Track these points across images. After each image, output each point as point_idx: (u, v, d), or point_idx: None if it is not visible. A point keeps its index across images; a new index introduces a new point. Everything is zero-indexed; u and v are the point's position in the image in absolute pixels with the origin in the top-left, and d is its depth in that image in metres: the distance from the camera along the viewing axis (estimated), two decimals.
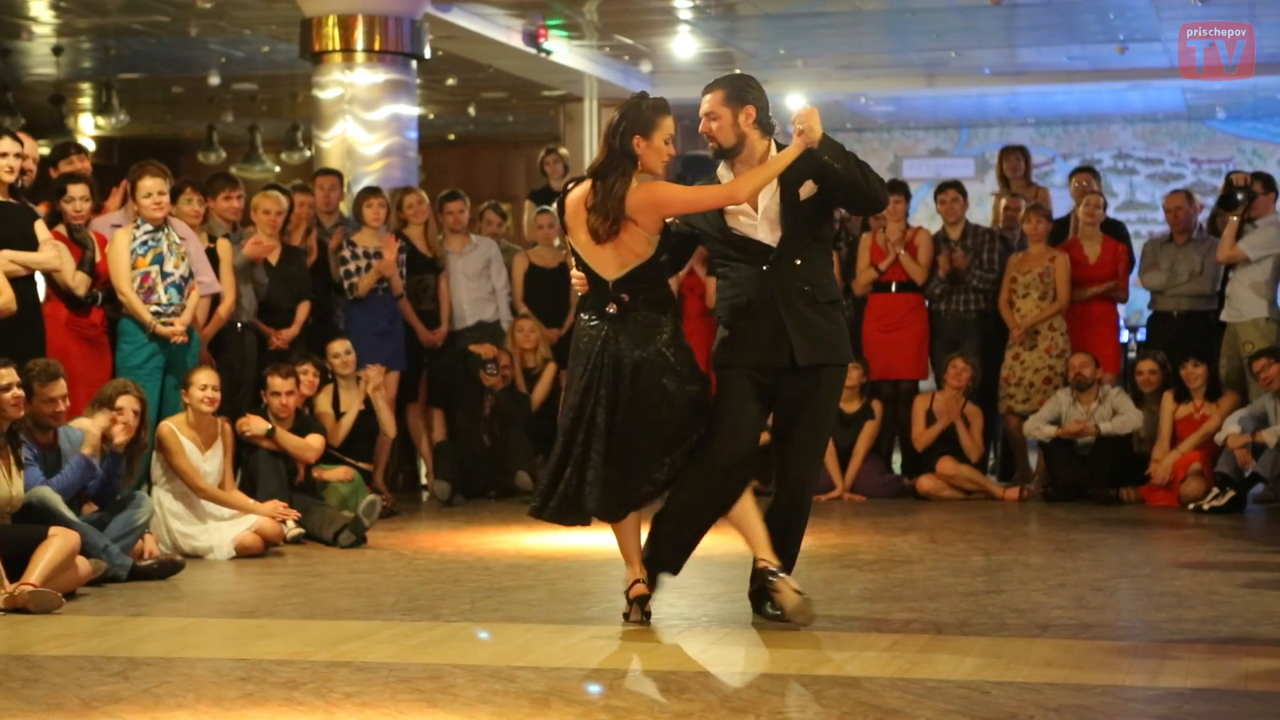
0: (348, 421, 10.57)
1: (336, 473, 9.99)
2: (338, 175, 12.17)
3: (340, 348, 10.68)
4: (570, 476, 6.34)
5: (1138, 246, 12.82)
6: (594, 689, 5.37)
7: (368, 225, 11.35)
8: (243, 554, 8.68)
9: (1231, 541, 9.17)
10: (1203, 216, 12.20)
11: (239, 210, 10.55)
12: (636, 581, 6.48)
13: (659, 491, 6.46)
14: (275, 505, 8.95)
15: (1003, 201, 12.87)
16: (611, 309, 6.34)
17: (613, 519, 6.48)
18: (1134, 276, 12.18)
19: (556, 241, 12.71)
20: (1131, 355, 13.65)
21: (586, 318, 6.43)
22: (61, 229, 9.05)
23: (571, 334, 6.63)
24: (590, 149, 18.75)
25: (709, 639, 6.34)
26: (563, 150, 14.22)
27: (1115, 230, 12.33)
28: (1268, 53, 15.35)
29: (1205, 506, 10.42)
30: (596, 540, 9.47)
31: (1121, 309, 12.39)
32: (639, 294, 6.34)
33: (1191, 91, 20.28)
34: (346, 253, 11.21)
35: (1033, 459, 11.87)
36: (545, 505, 6.46)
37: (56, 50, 16.94)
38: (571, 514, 6.44)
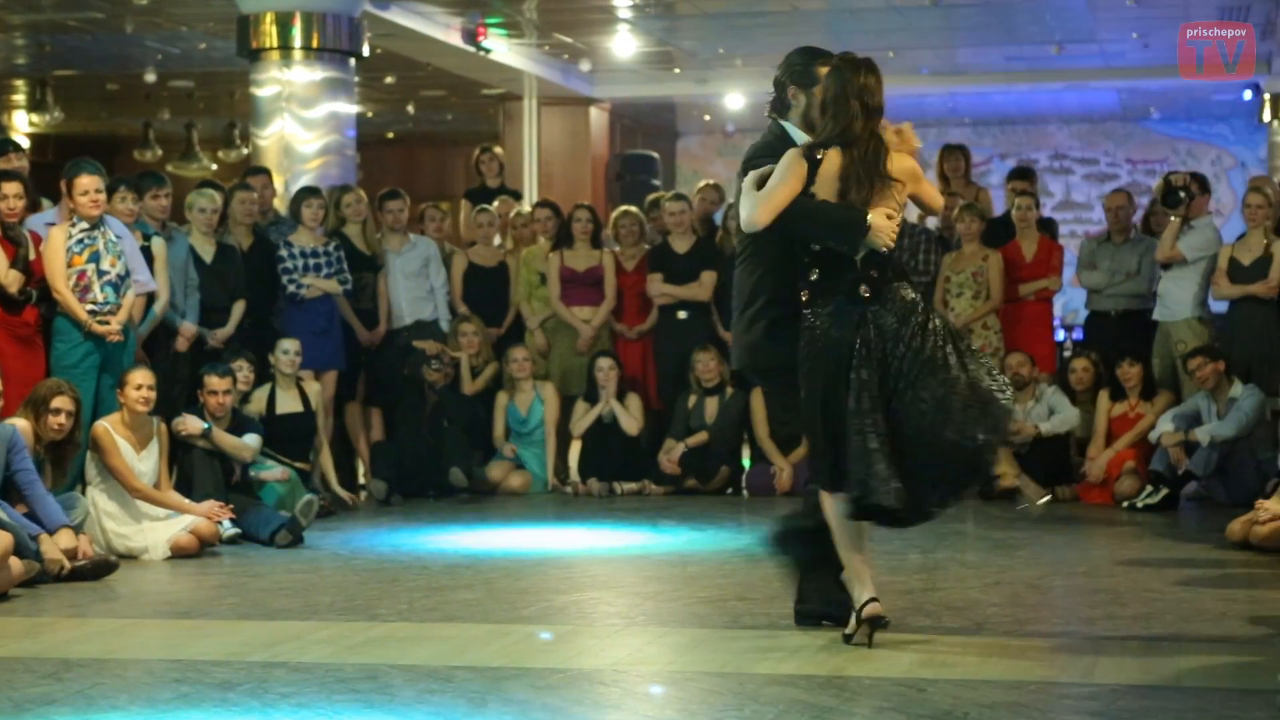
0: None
1: (274, 473, 9.94)
2: (268, 174, 12.10)
3: (290, 346, 10.59)
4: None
5: (1073, 245, 12.89)
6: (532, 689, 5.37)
7: (305, 226, 11.28)
8: (178, 554, 8.62)
9: (1165, 539, 9.24)
10: (1137, 217, 12.29)
11: (166, 209, 10.47)
12: (871, 600, 5.87)
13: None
14: (211, 505, 8.89)
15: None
16: (865, 291, 5.86)
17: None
18: (1069, 275, 12.26)
19: (496, 240, 12.67)
20: (1067, 354, 13.72)
21: (816, 314, 5.89)
22: None
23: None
24: (530, 147, 18.71)
25: (646, 638, 6.34)
26: (497, 149, 14.17)
27: (1045, 227, 12.43)
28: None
29: (1139, 504, 10.48)
30: (533, 540, 9.49)
31: (1057, 308, 12.43)
32: (889, 269, 5.90)
33: (1127, 92, 20.44)
34: (284, 253, 11.14)
35: None
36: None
37: None
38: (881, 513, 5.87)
